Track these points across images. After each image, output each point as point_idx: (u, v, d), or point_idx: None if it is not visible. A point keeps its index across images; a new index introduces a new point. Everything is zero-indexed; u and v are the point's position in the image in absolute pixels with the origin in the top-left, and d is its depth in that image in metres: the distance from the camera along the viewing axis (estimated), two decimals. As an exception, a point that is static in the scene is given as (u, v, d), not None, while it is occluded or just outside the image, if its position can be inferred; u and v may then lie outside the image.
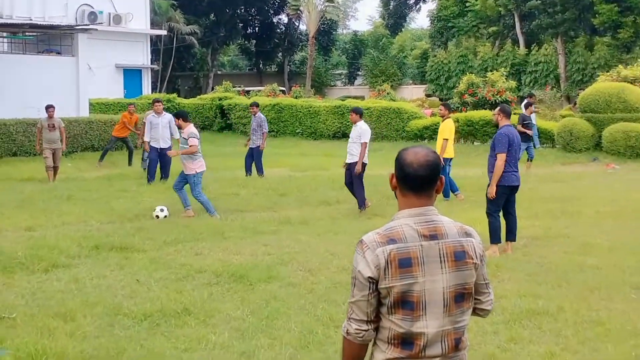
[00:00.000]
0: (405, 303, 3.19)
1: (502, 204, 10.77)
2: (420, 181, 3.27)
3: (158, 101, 18.77)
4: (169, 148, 17.31)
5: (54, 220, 12.90)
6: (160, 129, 17.97)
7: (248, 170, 19.27)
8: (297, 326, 7.38)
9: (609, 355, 6.63)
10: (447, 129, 15.60)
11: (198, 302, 8.09)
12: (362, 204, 14.21)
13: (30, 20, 30.82)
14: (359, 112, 14.62)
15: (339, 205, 15.01)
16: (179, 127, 14.53)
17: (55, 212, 13.72)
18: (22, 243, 10.89)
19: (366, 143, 14.14)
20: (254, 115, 19.62)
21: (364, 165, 14.23)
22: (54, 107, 18.78)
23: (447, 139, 15.48)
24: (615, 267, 9.84)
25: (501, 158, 10.52)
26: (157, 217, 13.13)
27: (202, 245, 11.03)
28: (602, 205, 14.83)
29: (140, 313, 7.68)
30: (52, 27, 27.77)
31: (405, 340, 3.22)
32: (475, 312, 3.44)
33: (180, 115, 14.03)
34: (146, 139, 18.29)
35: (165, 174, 18.04)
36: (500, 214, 10.82)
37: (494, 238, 10.60)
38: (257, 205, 14.93)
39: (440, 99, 43.15)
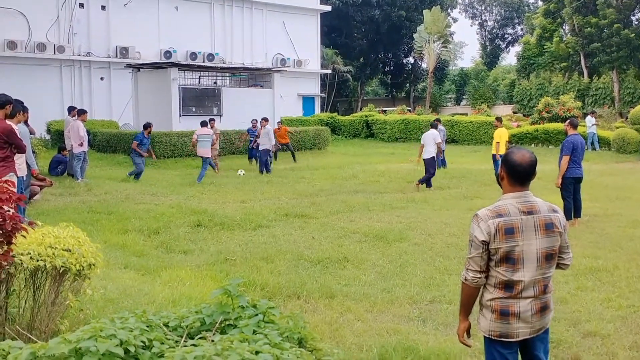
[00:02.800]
0: (509, 259, 3.16)
1: (572, 190, 10.22)
2: (526, 174, 3.24)
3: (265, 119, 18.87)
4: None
5: (258, 197, 13.35)
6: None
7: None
8: (421, 272, 7.35)
9: (653, 303, 6.20)
10: (498, 135, 15.77)
11: (353, 253, 8.19)
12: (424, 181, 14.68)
13: (244, 64, 32.06)
14: (433, 125, 15.86)
15: (449, 190, 14.71)
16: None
17: (259, 191, 14.19)
18: (239, 210, 11.35)
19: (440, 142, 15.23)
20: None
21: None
22: (208, 122, 17.70)
23: (499, 142, 15.54)
24: (658, 238, 9.16)
25: (565, 159, 10.10)
26: (241, 174, 15.26)
27: (354, 215, 11.13)
28: (647, 193, 13.81)
29: (315, 259, 7.86)
30: (257, 69, 28.70)
31: (508, 285, 3.19)
32: (560, 266, 3.36)
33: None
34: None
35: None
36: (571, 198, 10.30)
37: (567, 216, 10.06)
38: (391, 188, 14.88)
39: (524, 115, 41.37)
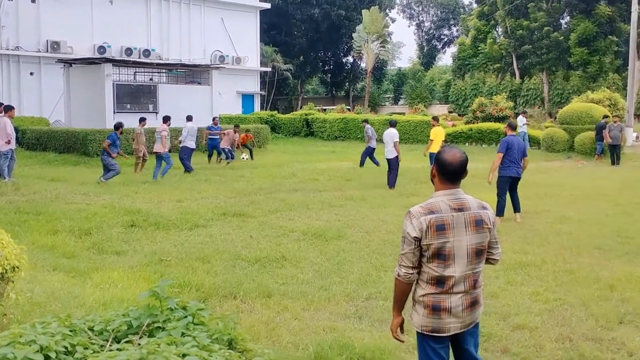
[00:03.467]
0: (440, 255, 3.22)
1: (507, 188, 10.59)
2: (456, 173, 3.31)
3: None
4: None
5: (195, 195, 13.16)
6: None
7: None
8: (358, 270, 7.41)
9: (577, 295, 6.47)
10: (434, 133, 16.29)
11: (291, 252, 8.18)
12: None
13: (181, 61, 31.50)
14: (392, 124, 15.72)
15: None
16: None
17: (196, 190, 13.98)
18: (175, 210, 11.15)
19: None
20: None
21: (396, 158, 14.91)
22: (145, 120, 17.43)
23: (433, 140, 16.05)
24: (583, 233, 9.59)
25: (498, 156, 10.49)
26: (244, 158, 15.01)
27: (293, 213, 11.12)
28: (573, 190, 14.44)
29: (252, 258, 7.80)
30: (195, 65, 28.27)
31: (439, 281, 3.25)
32: (489, 261, 3.43)
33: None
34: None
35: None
36: (508, 196, 10.66)
37: (499, 213, 10.40)
38: (330, 187, 14.96)
39: (459, 114, 42.48)
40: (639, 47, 29.42)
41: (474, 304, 3.30)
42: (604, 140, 21.56)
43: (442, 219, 3.20)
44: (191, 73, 28.15)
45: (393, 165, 14.83)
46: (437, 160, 3.35)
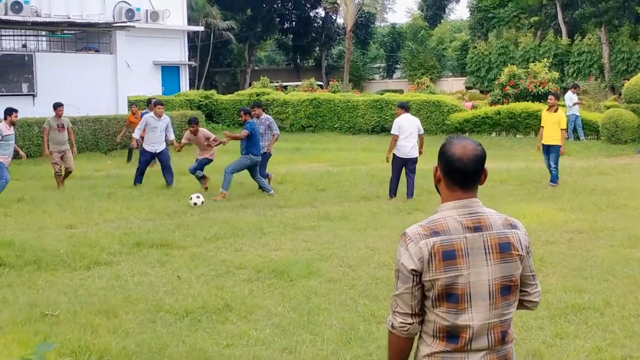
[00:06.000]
0: (450, 295, 3.18)
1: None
2: (470, 175, 3.27)
3: (161, 104, 17.83)
4: (166, 150, 17.40)
5: (95, 218, 13.04)
6: (158, 132, 17.22)
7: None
8: (338, 322, 7.42)
9: (656, 350, 6.59)
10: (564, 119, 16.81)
11: (239, 298, 8.16)
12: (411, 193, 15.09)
13: (69, 18, 31.24)
14: (405, 107, 15.38)
15: (379, 200, 14.99)
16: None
17: (96, 209, 13.85)
18: (64, 241, 11.02)
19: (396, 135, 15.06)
20: (258, 117, 16.68)
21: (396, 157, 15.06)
22: (63, 106, 17.45)
23: (564, 129, 16.64)
24: (662, 260, 9.75)
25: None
26: (195, 204, 13.68)
27: (241, 241, 11.10)
28: (648, 198, 14.66)
29: (181, 309, 7.77)
30: (90, 25, 28.08)
31: (451, 334, 3.22)
32: (523, 304, 3.43)
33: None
34: (136, 135, 17.75)
35: (169, 180, 17.34)
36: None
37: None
38: (296, 200, 14.97)
39: (481, 91, 42.93)
40: None
41: None
42: None
43: (452, 243, 3.19)
44: (85, 36, 27.95)
45: (414, 165, 15.06)
46: (440, 156, 3.33)
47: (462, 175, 3.26)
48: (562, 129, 16.32)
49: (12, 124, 14.56)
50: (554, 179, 16.24)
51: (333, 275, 9.18)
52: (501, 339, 3.26)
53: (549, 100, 16.65)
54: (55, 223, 12.59)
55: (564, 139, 16.45)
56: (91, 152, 23.73)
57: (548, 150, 16.31)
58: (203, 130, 17.22)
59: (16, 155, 15.62)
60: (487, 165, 3.33)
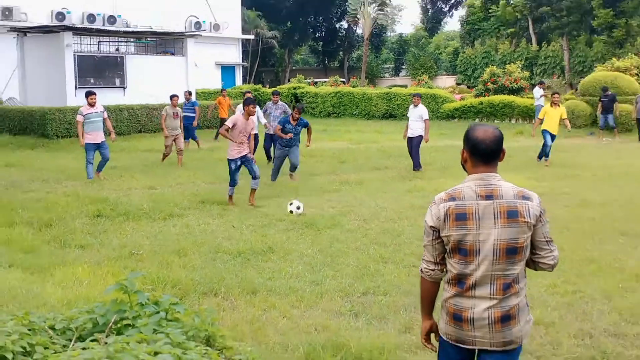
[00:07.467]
0: (461, 250, 3.12)
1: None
2: (490, 153, 3.18)
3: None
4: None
5: (169, 182, 13.17)
6: (271, 118, 15.30)
7: (268, 157, 15.85)
8: (354, 262, 7.47)
9: (599, 287, 6.57)
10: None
11: (278, 243, 8.23)
12: (417, 165, 14.74)
13: (151, 28, 31.26)
14: (419, 96, 15.26)
15: (387, 171, 14.99)
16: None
17: (171, 175, 13.98)
18: (147, 198, 11.17)
19: (428, 120, 14.98)
20: (275, 103, 15.44)
21: (420, 137, 14.82)
22: (177, 97, 16.22)
23: (566, 119, 16.25)
24: (606, 218, 9.70)
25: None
26: (292, 212, 10.06)
27: (281, 200, 11.14)
28: (596, 170, 14.56)
29: (235, 251, 7.86)
30: (167, 33, 28.09)
31: (459, 280, 3.16)
32: (539, 265, 3.24)
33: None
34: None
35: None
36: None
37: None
38: (322, 170, 15.00)
39: (468, 87, 42.57)
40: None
41: (506, 318, 3.09)
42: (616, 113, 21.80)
43: (464, 207, 3.10)
44: (163, 42, 27.97)
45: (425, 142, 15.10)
46: (466, 139, 3.23)
47: (484, 154, 3.18)
48: (563, 119, 15.96)
49: (92, 105, 13.62)
50: (547, 156, 15.94)
51: (351, 226, 9.23)
52: (502, 290, 3.11)
53: (554, 98, 16.23)
54: (140, 185, 12.75)
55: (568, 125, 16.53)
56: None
57: (552, 138, 15.93)
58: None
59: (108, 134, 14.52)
60: None
